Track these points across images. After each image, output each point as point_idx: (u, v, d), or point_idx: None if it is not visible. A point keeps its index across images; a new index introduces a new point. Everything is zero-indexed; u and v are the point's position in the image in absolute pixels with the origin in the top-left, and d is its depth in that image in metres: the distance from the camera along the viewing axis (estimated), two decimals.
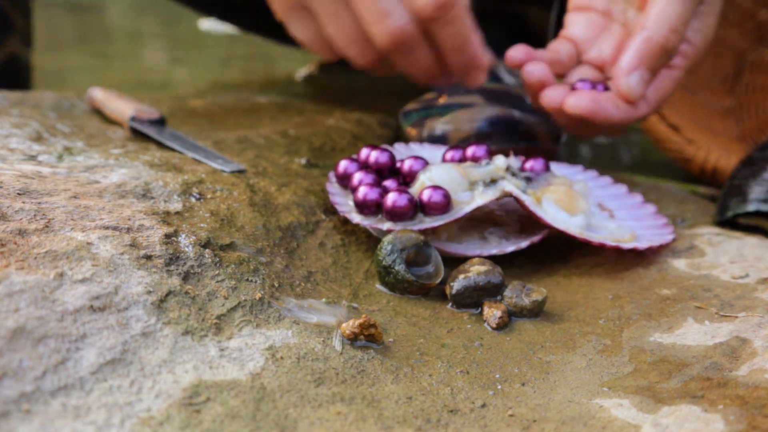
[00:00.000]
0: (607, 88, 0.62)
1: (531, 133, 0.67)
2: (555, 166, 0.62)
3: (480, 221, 0.58)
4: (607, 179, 0.62)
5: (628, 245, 0.54)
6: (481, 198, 0.54)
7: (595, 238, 0.54)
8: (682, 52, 0.63)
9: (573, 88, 0.62)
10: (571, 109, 0.60)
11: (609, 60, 0.64)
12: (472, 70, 0.64)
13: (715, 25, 0.64)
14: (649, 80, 0.61)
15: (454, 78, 0.65)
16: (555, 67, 0.65)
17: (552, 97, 0.61)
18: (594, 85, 0.62)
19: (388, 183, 0.57)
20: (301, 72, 1.26)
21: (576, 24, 0.68)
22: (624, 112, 0.61)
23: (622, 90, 0.60)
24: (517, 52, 0.64)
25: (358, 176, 0.57)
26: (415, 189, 0.55)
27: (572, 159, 0.85)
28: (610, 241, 0.54)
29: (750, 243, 0.56)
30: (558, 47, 0.66)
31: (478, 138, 0.65)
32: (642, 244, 0.54)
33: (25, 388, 0.35)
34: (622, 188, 0.61)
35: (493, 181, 0.55)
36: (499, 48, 0.78)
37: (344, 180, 0.58)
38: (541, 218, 0.54)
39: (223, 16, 1.22)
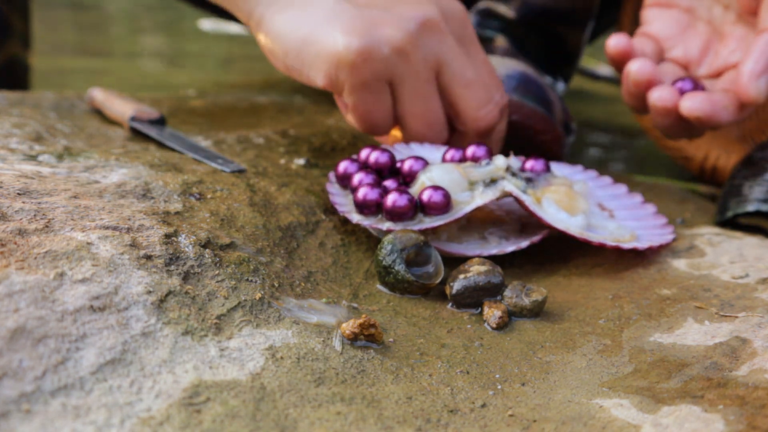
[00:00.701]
0: (703, 88, 0.60)
1: (548, 102, 0.67)
2: (555, 166, 0.62)
3: (480, 221, 0.58)
4: (607, 179, 0.62)
5: (628, 245, 0.54)
6: (481, 198, 0.54)
7: (595, 238, 0.54)
8: None
9: (674, 86, 0.60)
10: (688, 112, 0.58)
11: (696, 59, 0.63)
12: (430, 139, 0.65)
13: None
14: None
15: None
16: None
17: (663, 97, 0.59)
18: (695, 84, 0.60)
19: (389, 183, 0.57)
20: None
21: (657, 20, 0.65)
22: (732, 115, 0.59)
23: (750, 94, 0.58)
24: (619, 41, 0.62)
25: (358, 176, 0.57)
26: (415, 189, 0.55)
27: (572, 159, 0.85)
28: (610, 241, 0.54)
29: (750, 243, 0.56)
30: (642, 45, 0.64)
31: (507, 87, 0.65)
32: (642, 244, 0.54)
33: (25, 388, 0.35)
34: (622, 188, 0.61)
35: (493, 181, 0.55)
36: (539, 60, 0.78)
37: (344, 180, 0.58)
38: (541, 218, 0.54)
39: (226, 14, 1.22)
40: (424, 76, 0.59)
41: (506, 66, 0.66)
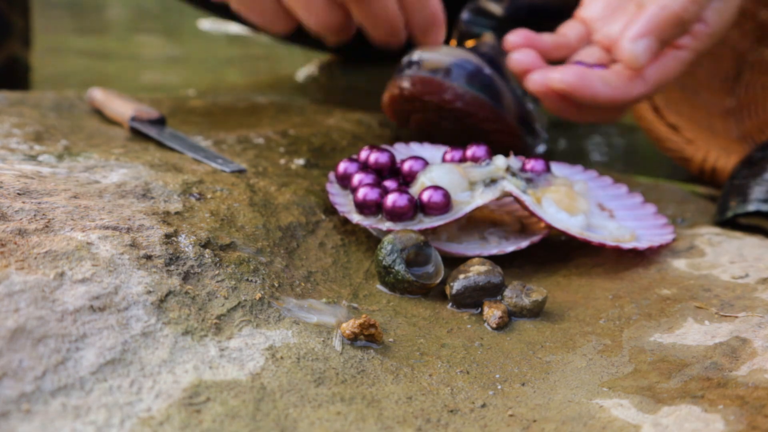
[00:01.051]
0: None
1: (496, 92, 0.66)
2: (555, 167, 0.62)
3: (480, 221, 0.58)
4: (607, 179, 0.62)
5: (628, 245, 0.54)
6: (481, 198, 0.54)
7: (595, 238, 0.54)
8: (695, 32, 0.59)
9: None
10: (556, 84, 0.57)
11: (617, 38, 0.60)
12: (432, 28, 0.62)
13: (737, 9, 0.60)
14: (657, 51, 0.57)
15: (415, 36, 0.63)
16: (561, 51, 0.63)
17: (536, 78, 0.59)
18: (591, 66, 0.60)
19: (389, 183, 0.57)
20: (302, 72, 1.26)
21: (592, 4, 0.65)
22: (614, 90, 0.57)
23: (625, 56, 0.57)
24: (516, 36, 0.62)
25: (358, 176, 0.57)
26: (415, 189, 0.55)
27: (573, 159, 0.84)
28: (610, 241, 0.54)
29: (750, 243, 0.56)
30: (566, 29, 0.64)
31: (445, 72, 0.64)
32: (642, 244, 0.54)
33: (25, 388, 0.35)
34: (622, 188, 0.61)
35: (493, 181, 0.55)
36: None
37: (344, 180, 0.58)
38: (541, 218, 0.54)
39: (225, 14, 1.22)
40: None
41: (455, 55, 0.65)
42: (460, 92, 0.64)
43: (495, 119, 0.66)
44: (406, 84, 0.64)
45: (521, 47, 0.61)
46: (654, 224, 0.58)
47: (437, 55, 0.64)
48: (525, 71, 0.60)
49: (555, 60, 0.63)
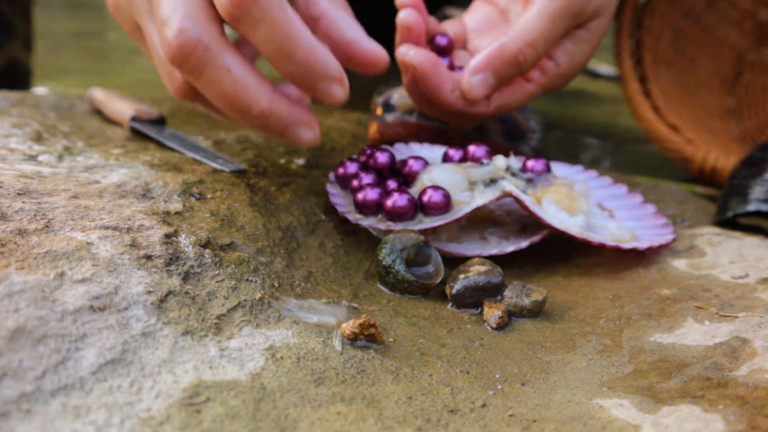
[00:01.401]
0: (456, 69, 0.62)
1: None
2: (555, 166, 0.62)
3: (480, 222, 0.58)
4: (607, 179, 0.62)
5: (628, 245, 0.54)
6: (481, 198, 0.54)
7: (595, 238, 0.54)
8: (544, 68, 0.62)
9: (434, 41, 0.63)
10: (408, 59, 0.58)
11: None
12: (315, 82, 0.50)
13: (590, 53, 0.64)
14: (494, 86, 0.60)
15: (303, 96, 0.54)
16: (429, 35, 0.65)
17: (402, 50, 0.60)
18: (457, 67, 0.62)
19: (389, 183, 0.57)
20: None
21: (475, 13, 0.68)
22: (456, 99, 0.59)
23: (463, 87, 0.59)
24: (408, 15, 0.62)
25: (358, 177, 0.57)
26: (415, 189, 0.55)
27: (572, 159, 0.85)
28: (610, 241, 0.54)
29: (750, 243, 0.56)
30: (448, 26, 0.66)
31: (420, 111, 0.66)
32: (642, 244, 0.54)
33: (25, 388, 0.35)
34: (622, 188, 0.61)
35: (493, 181, 0.55)
36: None
37: (344, 180, 0.58)
38: (541, 218, 0.54)
39: None
40: (143, 11, 0.53)
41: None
42: (442, 128, 0.66)
43: (480, 140, 0.67)
44: (386, 129, 0.67)
45: (411, 7, 0.62)
46: (654, 224, 0.58)
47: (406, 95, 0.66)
48: (408, 29, 0.61)
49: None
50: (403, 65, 0.60)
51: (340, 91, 0.50)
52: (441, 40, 0.64)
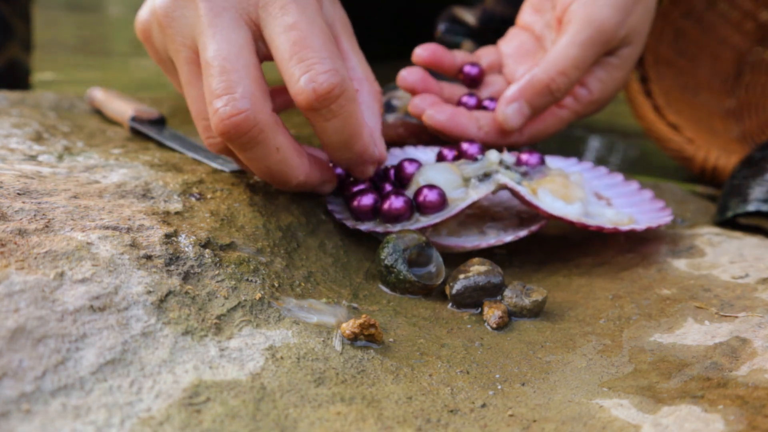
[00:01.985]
0: (485, 107, 0.64)
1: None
2: (549, 159, 0.62)
3: (479, 218, 0.58)
4: (602, 169, 0.62)
5: (626, 227, 0.54)
6: (476, 193, 0.54)
7: (593, 222, 0.54)
8: (576, 96, 0.64)
9: (459, 102, 0.65)
10: (428, 121, 0.61)
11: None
12: (360, 166, 0.54)
13: (622, 81, 0.65)
14: (529, 115, 0.61)
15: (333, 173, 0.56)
16: (453, 71, 0.67)
17: (417, 104, 0.62)
18: (480, 101, 0.64)
19: (384, 186, 0.57)
20: None
21: (510, 39, 0.70)
22: (486, 135, 0.62)
23: (498, 118, 0.61)
24: (424, 50, 0.65)
25: (352, 183, 0.57)
26: (411, 191, 0.56)
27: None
28: (608, 225, 0.54)
29: (750, 243, 0.56)
30: (482, 53, 0.68)
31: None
32: (640, 226, 0.54)
33: (25, 388, 0.35)
34: (618, 177, 0.62)
35: (487, 176, 0.55)
36: None
37: (340, 187, 0.58)
38: (537, 207, 0.54)
39: None
40: (183, 56, 0.51)
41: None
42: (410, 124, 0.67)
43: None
44: (387, 129, 0.68)
45: (419, 92, 0.64)
46: (651, 208, 0.58)
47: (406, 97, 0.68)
48: (412, 89, 0.64)
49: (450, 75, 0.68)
50: (428, 125, 0.62)
51: (372, 170, 0.55)
52: (471, 70, 0.65)
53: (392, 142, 0.67)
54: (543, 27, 0.68)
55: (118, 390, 0.37)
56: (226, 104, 0.47)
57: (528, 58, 0.68)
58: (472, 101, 0.64)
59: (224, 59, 0.48)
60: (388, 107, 0.68)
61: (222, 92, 0.47)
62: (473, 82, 0.67)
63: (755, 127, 0.95)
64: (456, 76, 0.68)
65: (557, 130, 0.65)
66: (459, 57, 0.67)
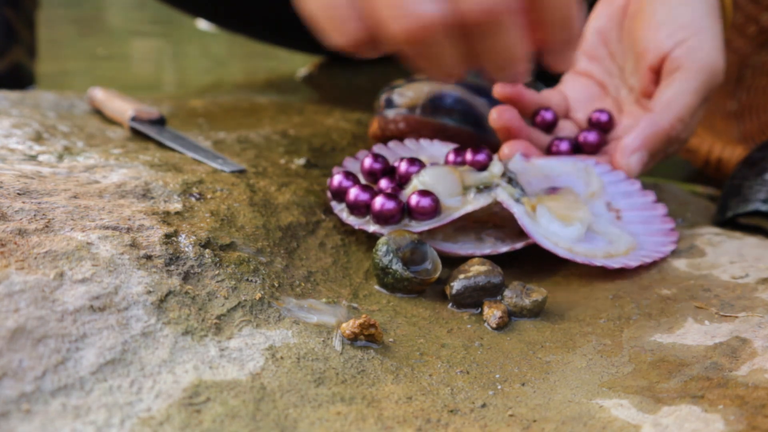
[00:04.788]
0: (576, 148, 0.65)
1: (477, 119, 0.69)
2: (567, 158, 0.61)
3: (482, 223, 0.58)
4: (620, 174, 0.61)
5: (616, 264, 0.53)
6: (471, 205, 0.54)
7: (581, 257, 0.53)
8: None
9: (551, 146, 0.65)
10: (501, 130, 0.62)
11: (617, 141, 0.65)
12: (568, 47, 0.46)
13: (702, 117, 0.66)
14: (648, 163, 0.62)
15: (549, 53, 0.46)
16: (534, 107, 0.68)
17: (507, 154, 0.62)
18: (573, 144, 0.65)
19: (381, 183, 0.57)
20: (302, 71, 1.26)
21: (573, 84, 0.70)
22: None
23: (621, 167, 0.61)
24: (504, 89, 0.65)
25: (351, 181, 0.57)
26: (408, 191, 0.55)
27: None
28: (598, 260, 0.53)
29: (750, 243, 0.56)
30: (550, 96, 0.68)
31: (423, 108, 0.67)
32: (632, 262, 0.53)
33: (25, 388, 0.35)
34: (636, 185, 0.60)
35: (487, 188, 0.55)
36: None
37: (339, 188, 0.58)
38: (528, 233, 0.53)
39: (212, 17, 1.22)
40: None
41: (433, 89, 0.69)
42: (443, 125, 0.67)
43: (480, 141, 0.68)
44: (387, 124, 0.68)
45: (510, 97, 0.65)
46: (659, 229, 0.57)
47: (415, 92, 0.67)
48: (504, 129, 0.64)
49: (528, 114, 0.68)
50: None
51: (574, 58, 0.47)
52: (547, 116, 0.66)
53: (393, 136, 0.67)
54: (604, 74, 0.69)
55: (118, 390, 0.37)
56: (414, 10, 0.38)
57: (595, 103, 0.68)
58: (564, 146, 0.65)
59: None
60: (389, 103, 0.68)
61: None
62: (549, 128, 0.67)
63: (756, 129, 0.95)
64: (530, 117, 0.68)
65: (648, 169, 0.65)
66: (528, 95, 0.67)
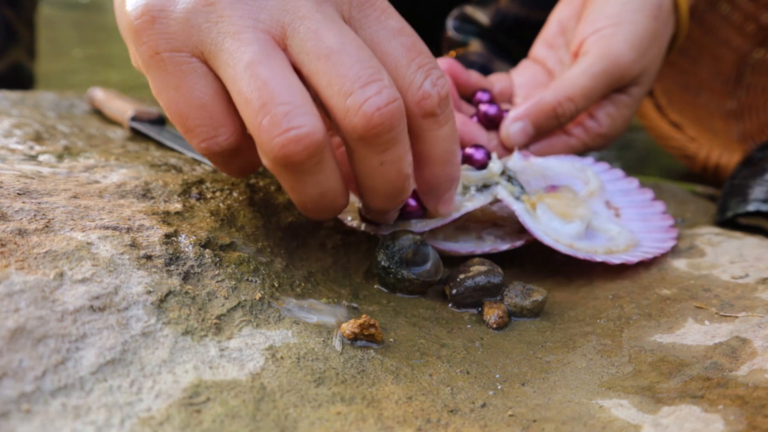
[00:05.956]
0: (500, 116, 0.65)
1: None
2: (566, 157, 0.62)
3: (483, 222, 0.58)
4: (618, 172, 0.62)
5: (617, 260, 0.53)
6: (472, 203, 0.54)
7: (583, 253, 0.53)
8: (586, 127, 0.65)
9: (479, 109, 0.66)
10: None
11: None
12: (450, 190, 0.51)
13: (630, 118, 0.67)
14: (532, 135, 0.63)
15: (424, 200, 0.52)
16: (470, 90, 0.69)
17: None
18: (492, 102, 0.66)
19: None
20: None
21: (523, 70, 0.71)
22: (494, 147, 0.63)
23: (501, 134, 0.63)
24: (441, 63, 0.66)
25: None
26: None
27: None
28: (599, 256, 0.53)
29: (750, 243, 0.56)
30: (495, 80, 0.70)
31: None
32: (632, 258, 0.53)
33: (25, 388, 0.35)
34: (634, 182, 0.61)
35: (486, 186, 0.55)
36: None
37: None
38: (528, 229, 0.53)
39: None
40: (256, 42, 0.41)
41: None
42: None
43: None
44: None
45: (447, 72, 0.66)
46: (659, 226, 0.57)
47: None
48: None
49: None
50: None
51: (453, 207, 0.53)
52: (483, 97, 0.66)
53: None
54: (555, 62, 0.70)
55: (118, 390, 0.37)
56: (379, 91, 0.41)
57: (538, 90, 0.69)
58: (492, 110, 0.65)
59: (357, 47, 0.41)
60: None
61: (369, 79, 0.41)
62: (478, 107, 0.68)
63: (755, 128, 0.95)
64: (468, 96, 0.68)
65: (565, 154, 0.66)
66: (474, 78, 0.68)
